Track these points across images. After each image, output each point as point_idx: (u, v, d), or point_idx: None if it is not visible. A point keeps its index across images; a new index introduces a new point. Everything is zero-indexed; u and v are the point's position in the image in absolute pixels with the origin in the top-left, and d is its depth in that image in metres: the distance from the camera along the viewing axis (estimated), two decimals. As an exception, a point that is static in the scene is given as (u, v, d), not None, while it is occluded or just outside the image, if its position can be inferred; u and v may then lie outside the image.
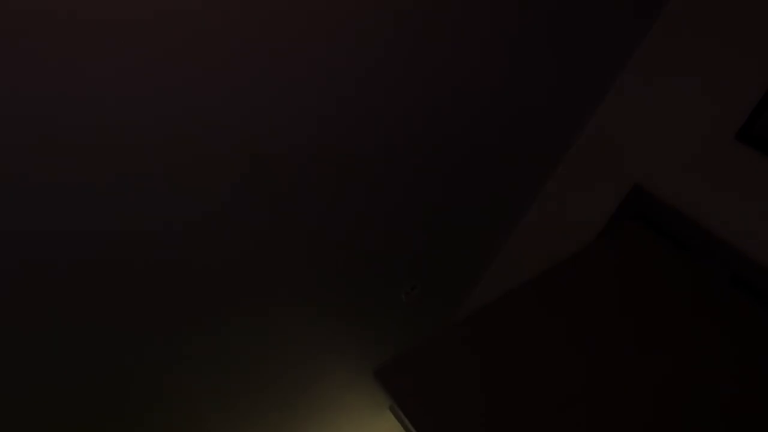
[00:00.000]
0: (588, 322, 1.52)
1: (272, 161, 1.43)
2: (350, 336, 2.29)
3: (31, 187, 1.12)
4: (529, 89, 1.83)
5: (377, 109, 1.51)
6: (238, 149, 1.34)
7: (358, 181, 1.67)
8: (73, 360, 1.51)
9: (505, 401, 1.30)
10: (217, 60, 1.16)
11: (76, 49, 1.00)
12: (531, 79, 1.80)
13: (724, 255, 1.78)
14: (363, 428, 2.99)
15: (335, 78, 1.37)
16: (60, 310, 1.38)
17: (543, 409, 1.30)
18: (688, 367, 1.45)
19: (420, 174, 1.81)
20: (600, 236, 2.15)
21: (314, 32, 1.25)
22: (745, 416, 1.35)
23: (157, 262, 1.44)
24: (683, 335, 1.53)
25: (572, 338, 1.47)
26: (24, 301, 1.30)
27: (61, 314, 1.39)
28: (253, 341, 1.92)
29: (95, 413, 1.69)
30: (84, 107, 1.07)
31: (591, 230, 2.21)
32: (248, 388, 2.09)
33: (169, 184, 1.30)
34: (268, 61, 1.23)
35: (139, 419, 1.83)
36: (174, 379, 1.80)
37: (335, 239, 1.79)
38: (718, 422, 1.33)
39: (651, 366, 1.44)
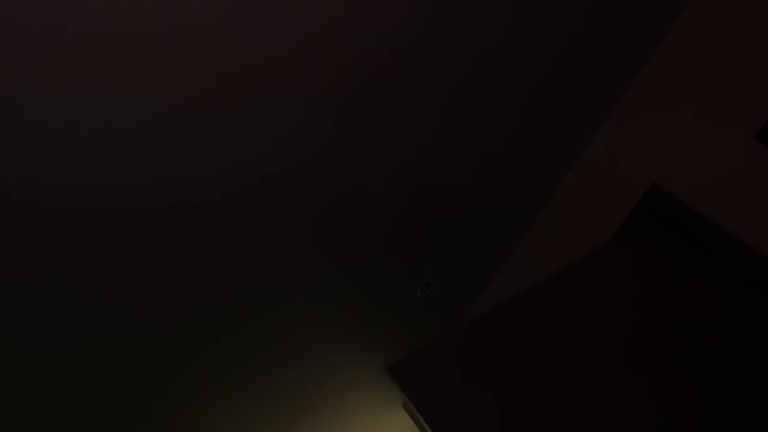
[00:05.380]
0: (602, 322, 1.52)
1: (278, 161, 1.45)
2: (364, 333, 2.30)
3: (32, 188, 1.16)
4: (542, 91, 1.82)
5: (381, 110, 1.52)
6: (242, 150, 1.36)
7: (369, 179, 1.68)
8: (79, 359, 1.54)
9: (516, 398, 1.31)
10: (218, 62, 1.18)
11: (82, 58, 1.03)
12: (543, 81, 1.80)
13: (741, 256, 1.77)
14: (377, 425, 3.01)
15: (359, 77, 1.38)
16: (62, 310, 1.41)
17: (553, 406, 1.30)
18: (698, 367, 1.44)
19: (433, 173, 1.82)
20: (617, 236, 2.14)
21: (315, 32, 1.26)
22: (752, 419, 1.34)
23: (160, 261, 1.46)
24: (696, 336, 1.51)
25: (585, 337, 1.47)
26: (26, 300, 1.33)
27: (63, 314, 1.42)
28: (265, 338, 1.93)
29: (100, 409, 1.72)
30: (84, 108, 1.10)
31: (608, 230, 2.19)
32: (260, 385, 2.11)
33: (170, 184, 1.32)
34: (270, 63, 1.25)
35: (147, 417, 1.86)
36: (185, 377, 1.83)
37: (347, 233, 1.80)
38: (726, 425, 1.32)
39: (660, 366, 1.43)
